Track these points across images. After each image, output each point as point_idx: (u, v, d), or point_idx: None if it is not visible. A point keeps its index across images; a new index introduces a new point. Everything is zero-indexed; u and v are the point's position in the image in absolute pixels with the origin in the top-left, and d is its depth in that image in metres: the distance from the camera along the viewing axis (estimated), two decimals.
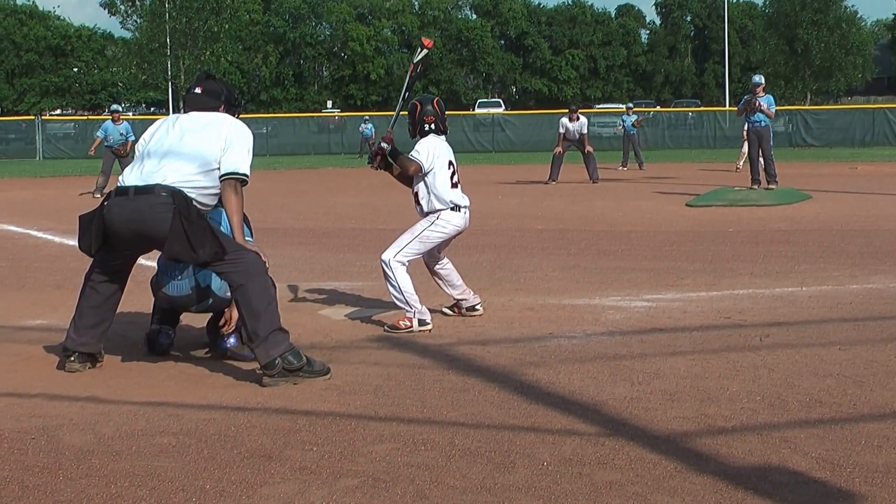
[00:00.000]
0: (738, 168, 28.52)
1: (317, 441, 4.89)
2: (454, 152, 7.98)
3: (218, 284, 6.48)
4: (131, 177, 6.17)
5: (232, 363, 6.57)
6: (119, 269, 6.41)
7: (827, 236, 13.06)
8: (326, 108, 79.12)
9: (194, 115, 6.46)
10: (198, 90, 6.62)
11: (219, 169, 6.16)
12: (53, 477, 4.46)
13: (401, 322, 7.52)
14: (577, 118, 25.36)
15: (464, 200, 7.86)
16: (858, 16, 70.17)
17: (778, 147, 40.68)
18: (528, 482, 4.28)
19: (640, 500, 4.08)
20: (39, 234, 14.93)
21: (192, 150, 6.17)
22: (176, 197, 5.96)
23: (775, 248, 11.98)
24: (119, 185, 6.20)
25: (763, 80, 19.77)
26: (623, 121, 32.13)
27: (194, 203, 6.04)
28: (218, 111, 6.51)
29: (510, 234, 14.14)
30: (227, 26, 62.00)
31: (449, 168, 7.79)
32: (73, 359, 6.40)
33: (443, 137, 7.90)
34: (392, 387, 5.90)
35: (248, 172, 6.24)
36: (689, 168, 29.89)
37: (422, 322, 7.51)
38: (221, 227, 6.41)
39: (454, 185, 7.81)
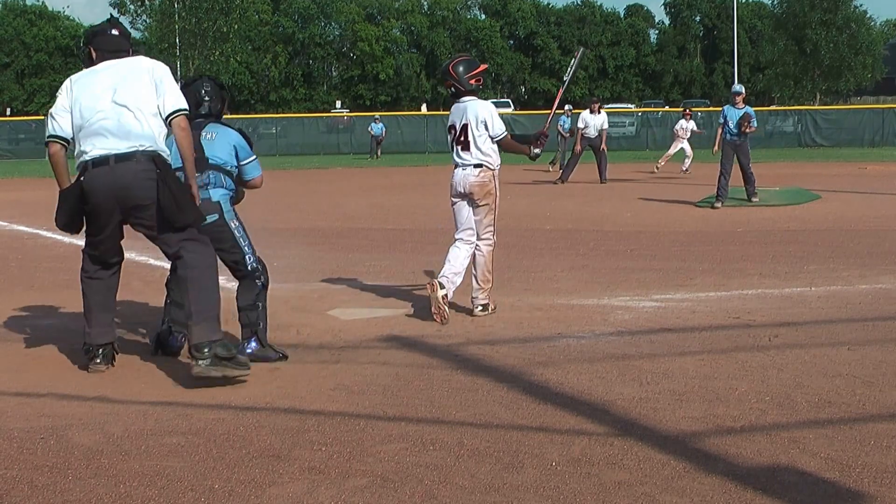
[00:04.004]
0: (658, 167, 27.85)
1: (325, 441, 4.90)
2: None
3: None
4: (96, 148, 6.04)
5: None
6: (108, 250, 6.40)
7: (836, 236, 13.03)
8: (335, 109, 79.07)
9: (111, 68, 6.24)
10: (115, 32, 6.45)
11: (160, 113, 6.09)
12: (62, 476, 4.47)
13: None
14: (599, 111, 24.93)
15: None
16: (868, 15, 69.88)
17: (787, 147, 40.79)
18: (537, 482, 4.29)
19: (648, 500, 4.08)
20: (49, 234, 14.92)
21: (134, 105, 6.06)
22: (157, 162, 6.00)
23: (784, 248, 11.96)
24: (93, 155, 6.04)
25: (743, 90, 18.57)
26: (562, 123, 30.53)
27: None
28: (128, 54, 6.37)
29: (519, 234, 14.12)
30: (236, 26, 61.81)
31: (450, 132, 8.14)
32: (98, 360, 6.42)
33: (464, 99, 8.06)
34: (401, 387, 5.91)
35: (186, 106, 6.19)
36: (698, 168, 29.75)
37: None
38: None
39: (458, 144, 8.07)
